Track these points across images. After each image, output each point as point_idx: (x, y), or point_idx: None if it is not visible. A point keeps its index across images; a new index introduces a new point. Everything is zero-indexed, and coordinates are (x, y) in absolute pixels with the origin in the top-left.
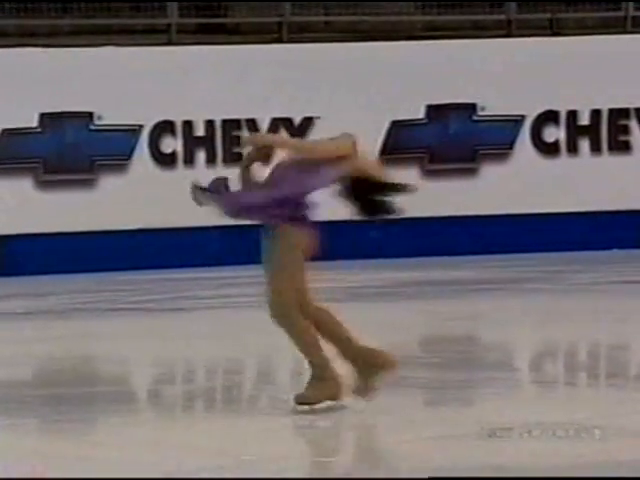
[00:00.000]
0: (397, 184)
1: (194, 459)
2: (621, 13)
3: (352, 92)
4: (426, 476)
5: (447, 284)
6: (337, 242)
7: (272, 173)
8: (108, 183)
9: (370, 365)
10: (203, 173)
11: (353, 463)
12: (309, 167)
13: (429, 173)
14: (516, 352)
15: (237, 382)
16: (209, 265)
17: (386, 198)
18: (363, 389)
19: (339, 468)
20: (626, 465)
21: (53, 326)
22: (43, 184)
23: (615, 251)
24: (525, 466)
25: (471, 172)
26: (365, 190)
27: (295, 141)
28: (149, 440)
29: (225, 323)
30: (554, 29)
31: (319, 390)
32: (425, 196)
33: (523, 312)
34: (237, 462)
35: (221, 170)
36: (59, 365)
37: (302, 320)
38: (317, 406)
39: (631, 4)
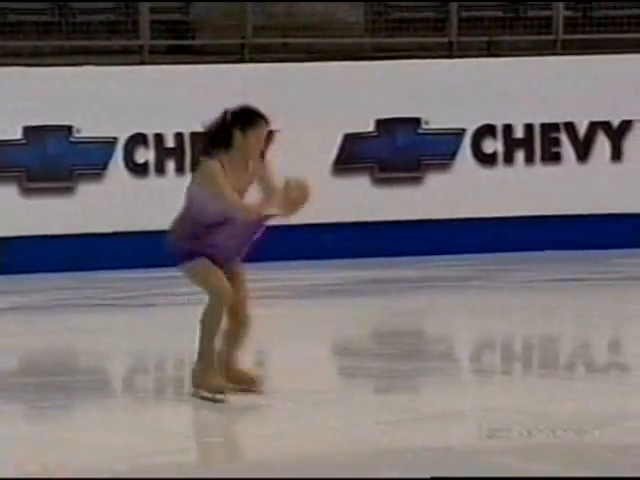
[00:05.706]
0: None
1: (163, 442)
2: (552, 37)
3: (308, 108)
4: (370, 456)
5: (396, 282)
6: (295, 244)
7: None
8: (86, 190)
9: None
10: (173, 181)
11: (307, 446)
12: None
13: (379, 181)
14: (458, 344)
15: None
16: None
17: None
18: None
19: (291, 449)
20: (552, 448)
21: (37, 321)
22: (27, 191)
23: (548, 252)
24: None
25: (416, 180)
26: None
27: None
28: (123, 424)
29: (194, 317)
30: (491, 50)
31: (209, 377)
32: (375, 202)
33: (465, 308)
34: (200, 445)
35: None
36: (42, 356)
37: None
38: (215, 395)
39: (561, 28)
